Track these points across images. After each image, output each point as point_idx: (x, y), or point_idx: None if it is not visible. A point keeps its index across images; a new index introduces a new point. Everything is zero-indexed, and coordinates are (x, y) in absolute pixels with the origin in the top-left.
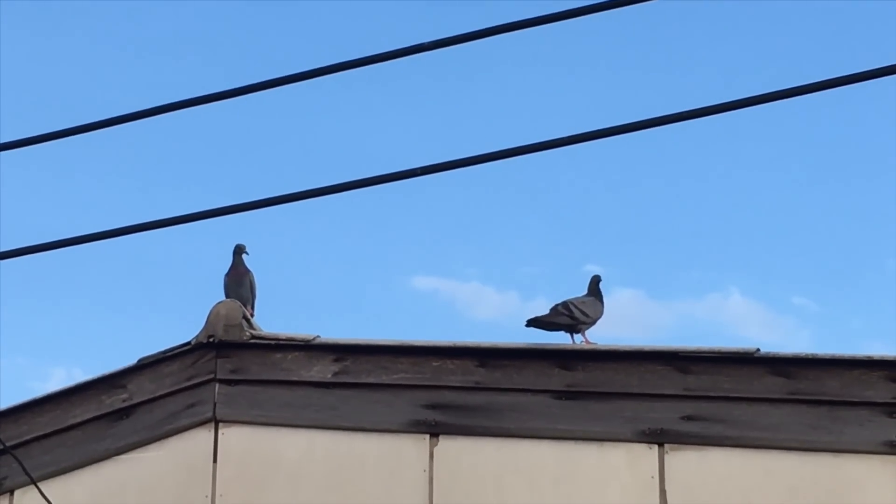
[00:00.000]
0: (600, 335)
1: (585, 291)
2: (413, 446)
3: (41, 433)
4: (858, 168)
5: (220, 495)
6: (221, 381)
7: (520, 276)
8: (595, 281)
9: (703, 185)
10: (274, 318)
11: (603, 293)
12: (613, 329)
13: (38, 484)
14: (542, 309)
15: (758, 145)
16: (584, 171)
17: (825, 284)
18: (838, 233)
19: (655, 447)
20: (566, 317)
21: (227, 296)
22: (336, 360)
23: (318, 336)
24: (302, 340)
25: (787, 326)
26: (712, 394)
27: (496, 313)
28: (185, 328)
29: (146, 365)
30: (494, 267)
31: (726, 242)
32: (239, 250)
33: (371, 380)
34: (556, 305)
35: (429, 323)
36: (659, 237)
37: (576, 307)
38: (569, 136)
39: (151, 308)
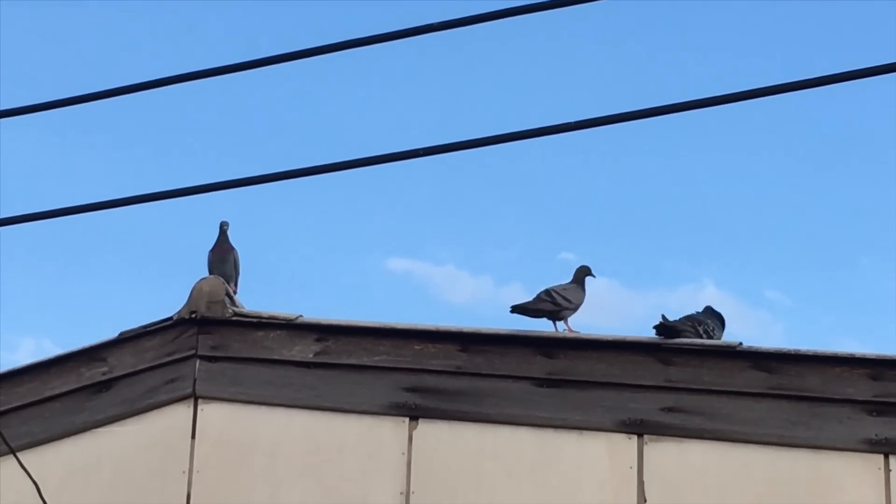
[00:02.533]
0: (578, 322)
1: (570, 279)
2: (392, 429)
3: (19, 404)
4: (835, 164)
5: (198, 471)
6: (202, 358)
7: (494, 261)
8: (582, 271)
9: (680, 177)
10: (256, 296)
11: (585, 284)
12: (587, 317)
13: (17, 454)
14: (516, 294)
15: (735, 138)
16: (560, 158)
17: (800, 279)
18: (814, 228)
19: (635, 437)
20: (549, 303)
21: (211, 272)
22: (318, 340)
23: (301, 315)
24: (284, 319)
25: (761, 319)
26: (693, 386)
27: (470, 298)
28: (167, 303)
29: (127, 339)
30: (469, 251)
31: (702, 234)
32: (223, 227)
33: (352, 361)
34: (540, 293)
35: (403, 306)
36: (635, 227)
37: (558, 294)
38: (551, 126)
39: (133, 282)
